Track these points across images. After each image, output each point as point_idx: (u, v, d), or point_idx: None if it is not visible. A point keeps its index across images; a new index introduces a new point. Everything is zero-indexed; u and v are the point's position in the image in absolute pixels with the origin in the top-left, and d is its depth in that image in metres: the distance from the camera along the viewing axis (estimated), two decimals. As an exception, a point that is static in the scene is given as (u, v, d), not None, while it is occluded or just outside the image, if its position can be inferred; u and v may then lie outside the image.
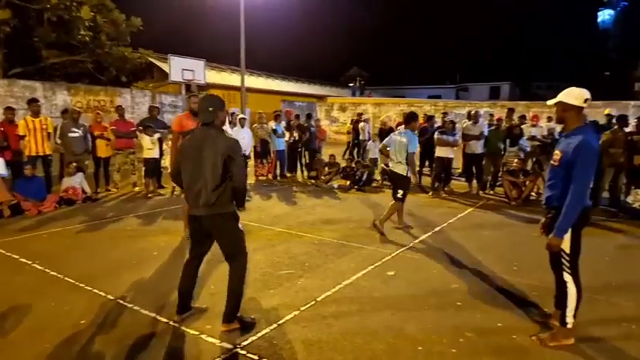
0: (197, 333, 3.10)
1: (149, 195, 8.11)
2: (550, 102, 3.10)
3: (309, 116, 11.69)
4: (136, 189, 8.62)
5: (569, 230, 2.87)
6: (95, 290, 3.81)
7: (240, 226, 3.18)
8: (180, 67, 14.44)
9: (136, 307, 3.51)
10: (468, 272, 4.37)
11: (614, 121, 7.88)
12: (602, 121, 8.82)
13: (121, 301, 3.61)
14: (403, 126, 6.18)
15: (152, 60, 20.99)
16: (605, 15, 51.09)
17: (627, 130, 7.37)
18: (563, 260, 2.95)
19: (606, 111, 8.35)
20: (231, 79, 23.71)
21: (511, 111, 10.35)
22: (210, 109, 3.08)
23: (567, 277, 2.95)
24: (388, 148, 6.09)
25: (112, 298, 3.67)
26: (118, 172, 8.67)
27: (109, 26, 17.56)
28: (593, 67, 47.57)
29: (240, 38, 15.87)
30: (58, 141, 7.77)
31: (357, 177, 9.52)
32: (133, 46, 19.27)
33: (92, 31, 16.85)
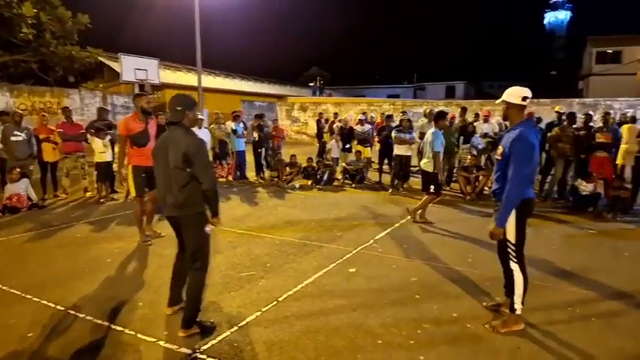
0: (154, 340, 3.01)
1: (101, 200, 7.76)
2: (497, 101, 3.29)
3: (259, 116, 11.63)
4: (87, 194, 8.23)
5: (514, 221, 3.04)
6: (44, 301, 3.61)
7: (207, 229, 3.11)
8: (132, 67, 13.94)
9: (88, 317, 3.35)
10: (426, 265, 4.51)
11: (563, 117, 8.38)
12: (553, 117, 9.30)
13: (72, 312, 3.44)
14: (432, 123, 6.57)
15: (102, 59, 20.11)
16: (551, 17, 54.09)
17: (575, 126, 7.87)
18: (509, 250, 3.12)
19: (556, 108, 8.84)
20: (188, 78, 23.15)
21: (464, 110, 10.76)
22: (178, 108, 3.07)
23: (514, 266, 3.13)
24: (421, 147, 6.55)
25: (61, 308, 3.49)
26: (66, 177, 8.22)
27: (54, 24, 16.64)
28: (541, 67, 50.31)
29: (196, 36, 15.51)
30: (0, 145, 7.28)
31: (318, 176, 9.56)
32: (81, 44, 18.38)
33: (36, 29, 15.89)
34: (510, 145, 3.03)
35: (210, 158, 9.94)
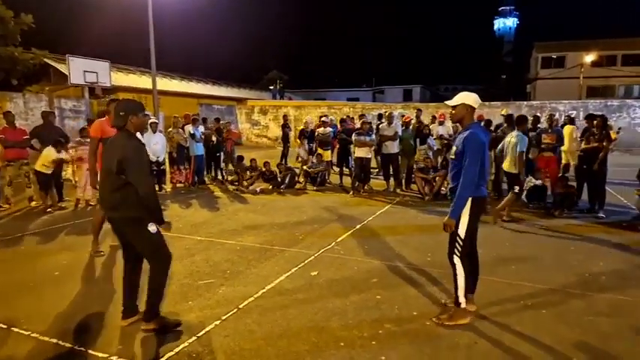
0: (106, 356, 2.85)
1: (48, 210, 7.32)
2: (451, 103, 3.40)
3: (217, 120, 11.45)
4: (32, 204, 7.73)
5: (467, 217, 3.19)
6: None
7: (151, 229, 3.03)
8: (81, 69, 13.24)
9: (34, 334, 3.13)
10: (387, 266, 4.57)
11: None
12: (500, 120, 9.73)
13: (17, 329, 3.20)
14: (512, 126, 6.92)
15: (48, 61, 19.06)
16: (500, 23, 56.77)
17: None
18: (456, 244, 3.26)
19: (502, 111, 9.27)
20: (141, 81, 22.35)
21: (419, 111, 11.07)
22: (121, 113, 3.09)
23: (456, 260, 3.27)
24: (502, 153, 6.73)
25: (4, 326, 3.24)
26: (9, 185, 7.69)
27: (-6, 23, 15.61)
28: (492, 71, 52.71)
29: (150, 37, 15.02)
30: None
31: (279, 180, 9.50)
32: (25, 45, 17.34)
33: (-27, 28, 14.84)
34: (462, 144, 3.20)
35: (167, 162, 9.66)
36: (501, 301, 3.66)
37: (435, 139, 9.43)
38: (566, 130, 7.97)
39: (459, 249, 3.24)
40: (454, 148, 3.35)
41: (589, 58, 31.73)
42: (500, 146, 7.08)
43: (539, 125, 8.38)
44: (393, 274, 4.36)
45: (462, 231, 3.21)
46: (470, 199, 3.16)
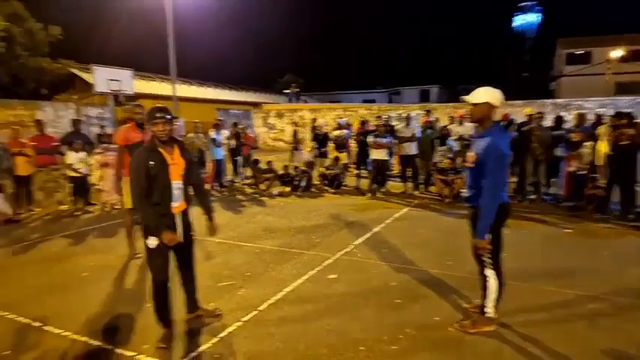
0: (134, 354, 2.96)
1: (76, 213, 7.59)
2: (472, 99, 3.05)
3: (235, 124, 11.64)
4: (62, 207, 8.02)
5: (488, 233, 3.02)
6: (19, 318, 3.51)
7: (149, 243, 3.06)
8: (105, 78, 13.65)
9: (64, 333, 3.27)
10: (406, 270, 4.57)
11: (532, 119, 8.63)
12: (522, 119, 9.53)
13: (48, 327, 3.35)
14: None
15: (74, 71, 19.69)
16: (521, 20, 55.58)
17: (547, 126, 8.13)
18: (485, 258, 3.13)
19: (526, 111, 9.07)
20: (162, 88, 22.82)
21: (428, 112, 11.12)
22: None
23: (488, 272, 3.15)
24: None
25: (37, 324, 3.40)
26: (40, 190, 8.01)
27: (25, 36, 16.25)
28: (513, 69, 51.60)
29: (169, 45, 15.36)
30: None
31: (295, 183, 9.58)
32: (52, 56, 17.99)
33: (5, 41, 15.49)
34: (483, 155, 2.97)
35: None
36: (529, 308, 3.58)
37: (454, 139, 9.33)
38: (602, 129, 7.69)
39: (490, 260, 3.13)
40: (472, 155, 3.11)
41: (616, 53, 30.72)
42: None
43: (563, 126, 8.21)
44: (412, 277, 4.35)
45: (488, 248, 3.07)
46: None
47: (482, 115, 3.07)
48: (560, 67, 37.21)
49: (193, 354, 2.96)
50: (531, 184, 8.06)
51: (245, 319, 3.47)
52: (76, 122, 8.68)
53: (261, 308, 3.66)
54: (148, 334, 3.23)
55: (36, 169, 7.93)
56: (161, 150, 3.05)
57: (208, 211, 3.44)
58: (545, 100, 20.30)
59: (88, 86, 16.81)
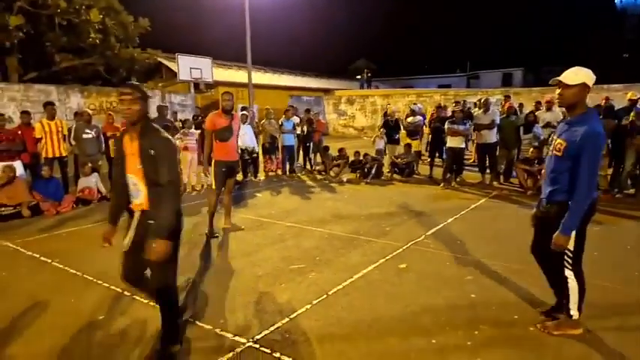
0: (210, 327, 3.13)
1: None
2: (567, 80, 2.71)
3: (307, 111, 11.70)
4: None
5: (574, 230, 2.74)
6: (112, 287, 3.87)
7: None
8: (188, 66, 14.51)
9: (151, 303, 3.55)
10: (482, 264, 4.32)
11: (638, 105, 7.70)
12: (625, 104, 8.53)
13: (136, 297, 3.65)
14: None
15: (161, 60, 21.17)
16: (623, -5, 49.63)
17: None
18: (566, 257, 2.84)
19: (629, 95, 8.09)
20: (238, 75, 23.75)
21: (507, 98, 10.27)
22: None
23: (568, 273, 2.85)
24: None
25: (127, 294, 3.72)
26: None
27: (118, 28, 17.76)
28: (612, 50, 46.33)
29: (246, 34, 15.86)
30: (73, 142, 7.89)
31: (365, 170, 9.48)
32: (141, 46, 19.46)
33: (101, 33, 17.05)
34: (580, 143, 2.62)
35: (261, 152, 10.21)
36: (621, 312, 3.26)
37: (542, 127, 8.59)
38: None
39: (570, 261, 2.83)
40: (562, 142, 2.74)
41: None
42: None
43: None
44: (488, 272, 4.11)
45: (571, 243, 2.77)
46: None
47: (576, 99, 2.72)
48: (670, 46, 32.59)
49: (266, 332, 3.05)
50: (632, 176, 7.20)
51: (315, 302, 3.51)
52: (161, 108, 9.32)
53: (330, 293, 3.68)
54: (222, 310, 3.39)
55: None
56: (126, 136, 2.67)
57: (155, 228, 2.55)
58: (650, 84, 17.96)
59: (173, 74, 18.00)
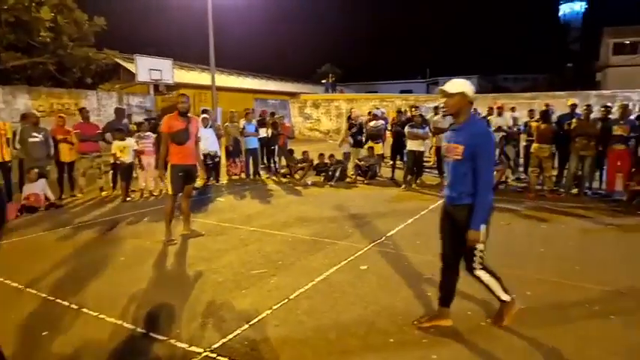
0: (164, 338, 3.02)
1: (117, 199, 7.89)
2: (448, 89, 2.87)
3: (272, 114, 11.66)
4: (103, 194, 8.35)
5: (485, 226, 2.85)
6: (58, 300, 3.66)
7: None
8: (147, 67, 14.09)
9: (101, 315, 3.39)
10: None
11: (577, 110, 8.17)
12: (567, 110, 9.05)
13: (85, 310, 3.48)
14: None
15: (118, 60, 20.44)
16: (566, 8, 52.86)
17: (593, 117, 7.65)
18: (475, 257, 2.93)
19: (569, 102, 8.62)
20: (201, 77, 23.32)
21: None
22: None
23: (480, 272, 2.98)
24: None
25: (75, 307, 3.54)
26: (83, 176, 8.37)
27: (71, 26, 16.98)
28: (557, 59, 49.20)
29: (209, 34, 15.60)
30: (18, 146, 7.44)
31: (330, 173, 9.53)
32: (97, 46, 18.71)
33: (53, 31, 16.24)
34: (476, 143, 2.76)
35: (224, 156, 10.05)
36: (564, 305, 3.44)
37: (493, 131, 8.96)
38: None
39: (480, 260, 2.93)
40: (459, 146, 2.81)
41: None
42: None
43: (609, 116, 7.70)
44: (445, 271, 4.22)
45: (480, 243, 2.87)
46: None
47: (459, 106, 2.88)
48: (607, 57, 35.01)
49: (224, 340, 2.98)
50: (575, 177, 7.65)
51: (276, 307, 3.47)
52: (118, 110, 9.00)
53: (292, 297, 3.66)
54: (179, 320, 3.29)
55: (79, 156, 8.28)
56: None
57: None
58: (590, 92, 19.19)
59: (131, 76, 17.42)
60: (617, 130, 7.15)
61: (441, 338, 2.98)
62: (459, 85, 2.88)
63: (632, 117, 7.85)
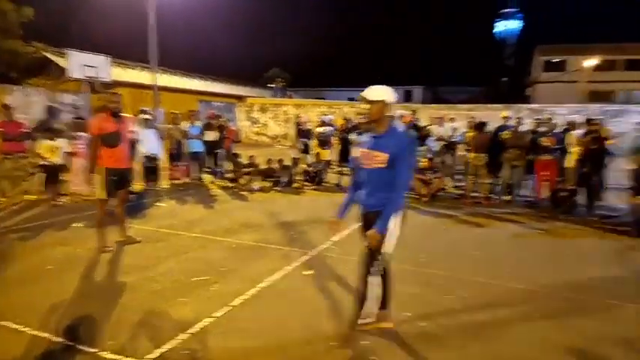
0: (95, 350, 2.83)
1: (45, 203, 7.30)
2: (370, 97, 2.86)
3: (218, 116, 11.39)
4: (29, 197, 7.69)
5: (398, 229, 2.93)
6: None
7: None
8: (80, 63, 13.20)
9: (23, 328, 3.10)
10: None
11: (509, 123, 8.78)
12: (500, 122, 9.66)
13: (5, 322, 3.17)
14: None
15: (48, 55, 18.97)
16: (502, 26, 56.64)
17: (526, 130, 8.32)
18: (377, 262, 2.95)
19: (503, 114, 9.21)
20: (142, 76, 22.24)
21: (414, 112, 11.20)
22: None
23: (374, 279, 2.98)
24: None
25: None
26: (6, 179, 7.66)
27: (-5, 16, 15.58)
28: (493, 74, 52.71)
29: (150, 32, 14.97)
30: None
31: (276, 178, 9.47)
32: (26, 39, 17.31)
33: (-27, 20, 14.81)
34: (400, 150, 2.79)
35: (167, 159, 9.65)
36: (493, 305, 3.66)
37: (435, 140, 9.39)
38: (572, 136, 7.95)
39: (382, 267, 2.97)
40: (382, 154, 2.82)
41: (590, 62, 31.68)
42: None
43: (538, 129, 8.35)
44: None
45: (390, 246, 2.92)
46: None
47: (380, 113, 2.88)
48: (538, 74, 38.11)
49: (160, 350, 2.85)
50: (508, 185, 8.19)
51: (218, 314, 3.37)
52: (50, 109, 8.35)
53: (234, 304, 3.57)
54: (112, 330, 3.10)
55: (2, 157, 7.58)
56: None
57: None
58: (522, 105, 20.77)
59: (63, 72, 16.23)
60: (544, 142, 7.75)
61: (383, 340, 3.05)
62: (380, 92, 2.87)
63: (556, 130, 8.55)
